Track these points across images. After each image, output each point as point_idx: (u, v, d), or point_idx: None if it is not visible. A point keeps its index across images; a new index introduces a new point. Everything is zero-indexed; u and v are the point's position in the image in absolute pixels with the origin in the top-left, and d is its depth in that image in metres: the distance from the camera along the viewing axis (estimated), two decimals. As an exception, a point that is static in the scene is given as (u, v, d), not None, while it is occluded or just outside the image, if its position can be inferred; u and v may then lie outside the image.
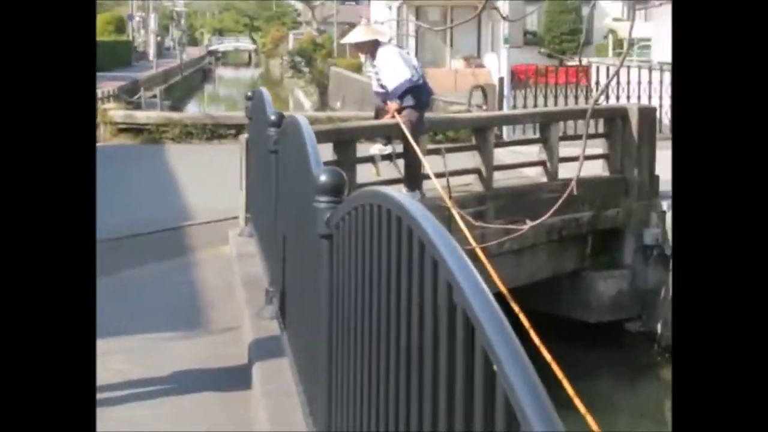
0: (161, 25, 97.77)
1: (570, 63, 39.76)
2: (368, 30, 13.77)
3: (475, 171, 13.67)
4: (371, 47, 12.87)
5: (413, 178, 12.62)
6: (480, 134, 13.78)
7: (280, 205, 7.47)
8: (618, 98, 24.69)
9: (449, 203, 10.56)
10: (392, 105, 12.31)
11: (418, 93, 12.58)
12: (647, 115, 15.46)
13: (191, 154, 21.03)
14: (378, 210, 3.54)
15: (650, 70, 25.78)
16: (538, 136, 15.30)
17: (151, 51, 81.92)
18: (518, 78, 25.73)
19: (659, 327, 15.01)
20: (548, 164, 14.52)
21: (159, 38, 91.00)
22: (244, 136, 11.66)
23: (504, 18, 28.57)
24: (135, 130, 23.20)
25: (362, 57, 15.08)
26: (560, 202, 8.45)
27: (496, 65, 42.97)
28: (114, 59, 63.65)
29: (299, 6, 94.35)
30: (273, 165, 7.67)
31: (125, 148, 22.33)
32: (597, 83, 26.19)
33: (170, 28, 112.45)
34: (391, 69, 12.50)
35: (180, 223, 13.19)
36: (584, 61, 40.41)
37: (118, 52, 70.15)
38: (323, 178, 4.73)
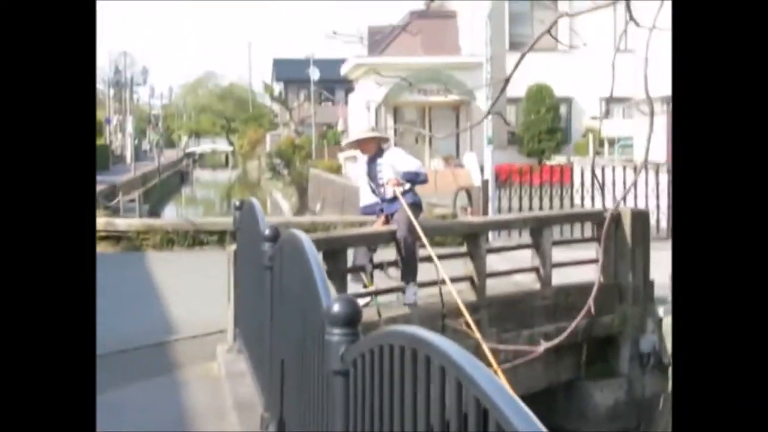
0: (138, 128, 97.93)
1: (549, 162, 39.72)
2: (371, 131, 14.29)
3: (468, 278, 13.28)
4: (375, 146, 12.96)
5: (410, 270, 12.41)
6: (472, 240, 13.40)
7: (276, 326, 7.03)
8: (603, 199, 24.53)
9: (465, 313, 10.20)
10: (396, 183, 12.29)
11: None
12: (640, 218, 15.11)
13: (173, 262, 20.65)
14: (412, 354, 3.19)
15: (635, 169, 25.42)
16: (529, 241, 14.93)
17: (129, 154, 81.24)
18: (501, 179, 25.39)
19: (660, 434, 14.41)
20: (541, 270, 14.10)
21: (136, 141, 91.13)
22: (231, 248, 11.13)
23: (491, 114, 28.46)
24: (115, 237, 22.90)
25: (356, 157, 15.08)
26: (580, 317, 7.95)
27: (476, 165, 42.76)
28: (98, 165, 63.53)
29: (276, 108, 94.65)
30: (268, 282, 7.23)
31: (105, 256, 21.65)
32: (582, 183, 25.82)
33: (147, 131, 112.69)
34: (408, 158, 12.90)
35: (165, 338, 12.62)
36: (564, 161, 40.43)
37: (96, 155, 69.91)
38: (337, 308, 4.25)
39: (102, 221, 23.79)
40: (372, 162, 12.86)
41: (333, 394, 4.44)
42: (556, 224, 14.91)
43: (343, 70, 55.15)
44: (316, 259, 5.54)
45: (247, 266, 9.41)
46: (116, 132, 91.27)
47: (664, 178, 23.37)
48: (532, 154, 44.68)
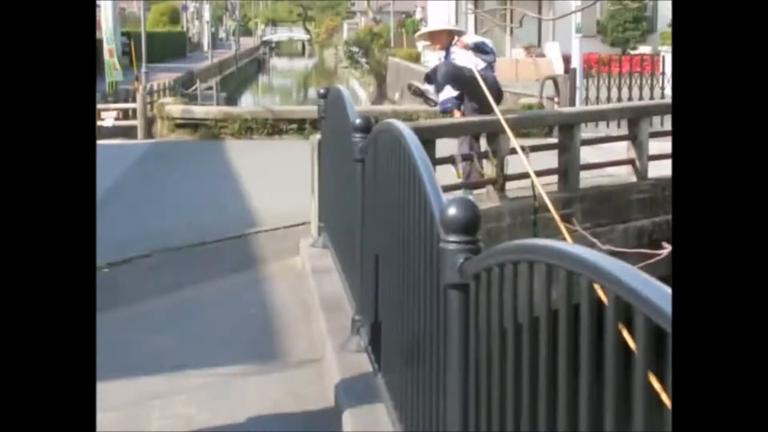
0: (215, 16, 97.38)
1: (633, 52, 38.62)
2: (445, 24, 14.35)
3: (560, 171, 12.65)
4: (448, 39, 12.61)
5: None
6: (566, 132, 12.73)
7: (368, 223, 6.44)
8: None
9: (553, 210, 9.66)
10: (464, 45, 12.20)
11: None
12: None
13: (252, 151, 20.02)
14: (548, 270, 2.89)
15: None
16: (624, 132, 14.19)
17: (205, 41, 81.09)
18: (590, 67, 24.48)
19: None
20: (637, 163, 13.41)
21: (213, 28, 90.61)
22: (315, 137, 10.44)
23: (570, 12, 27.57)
24: (193, 125, 22.36)
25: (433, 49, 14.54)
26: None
27: (558, 54, 42.01)
28: (168, 50, 63.66)
29: None
30: (359, 175, 6.60)
31: (183, 144, 21.46)
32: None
33: (224, 19, 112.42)
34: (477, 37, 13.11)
35: (245, 230, 12.00)
36: (649, 50, 39.27)
37: (173, 43, 69.97)
38: (453, 211, 3.62)
39: (179, 108, 23.39)
40: (447, 55, 12.53)
41: (448, 311, 3.86)
42: (655, 115, 14.01)
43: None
44: (422, 153, 4.80)
45: (334, 158, 8.78)
46: (193, 19, 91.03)
47: None
48: (617, 43, 43.48)
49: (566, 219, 11.15)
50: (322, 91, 10.29)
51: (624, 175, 13.70)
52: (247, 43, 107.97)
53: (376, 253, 6.03)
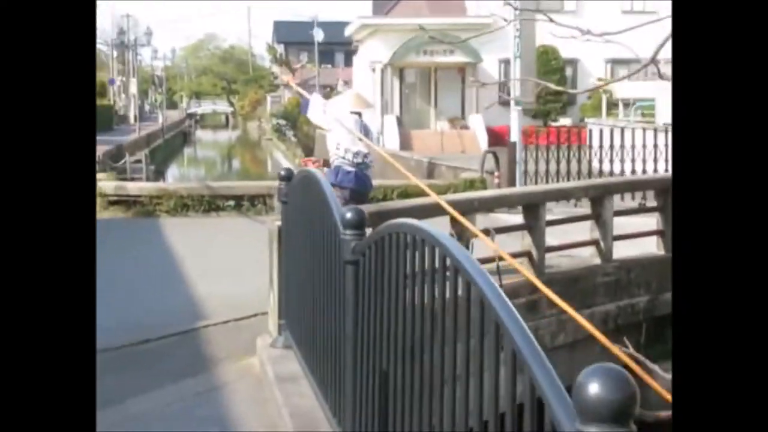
0: (141, 89, 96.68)
1: (554, 124, 38.27)
2: (359, 100, 13.99)
3: (526, 254, 11.51)
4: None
5: None
6: (531, 212, 11.58)
7: (369, 345, 5.15)
8: (622, 162, 23.12)
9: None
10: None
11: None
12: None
13: (190, 230, 18.61)
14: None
15: (655, 131, 23.86)
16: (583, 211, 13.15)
17: (132, 114, 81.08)
18: (527, 141, 23.58)
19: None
20: (602, 243, 12.30)
21: (140, 102, 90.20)
22: (275, 223, 8.96)
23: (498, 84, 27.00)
24: (126, 202, 20.97)
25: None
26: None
27: (482, 127, 41.62)
28: (102, 125, 62.85)
29: (276, 70, 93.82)
30: (350, 280, 5.34)
31: (117, 222, 19.84)
32: (600, 145, 24.10)
33: (150, 92, 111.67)
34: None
35: (191, 324, 10.40)
36: (569, 122, 38.86)
37: (100, 116, 69.04)
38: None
39: (112, 185, 22.09)
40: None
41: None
42: (621, 192, 12.93)
43: (348, 31, 53.94)
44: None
45: (307, 253, 7.16)
46: (120, 93, 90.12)
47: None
48: (538, 115, 42.91)
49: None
50: (283, 173, 8.86)
51: (587, 256, 12.55)
52: (173, 115, 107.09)
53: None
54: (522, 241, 11.56)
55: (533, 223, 11.52)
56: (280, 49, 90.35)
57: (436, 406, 3.98)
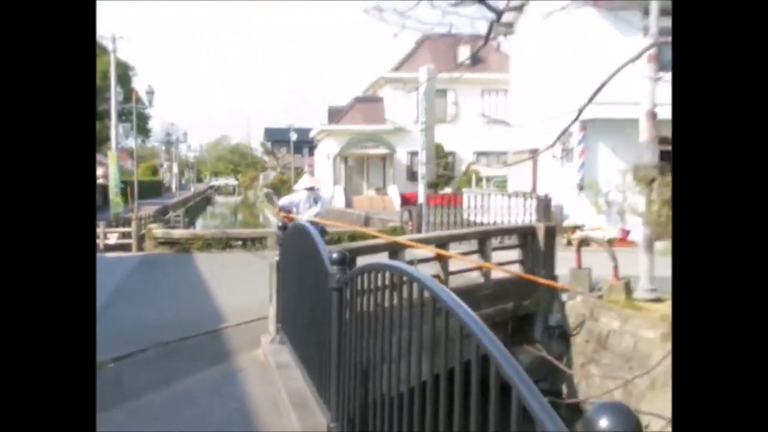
0: (180, 170, 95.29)
1: (441, 192, 38.01)
2: (311, 180, 14.78)
3: (437, 276, 10.87)
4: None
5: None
6: (441, 248, 10.96)
7: (349, 348, 4.46)
8: (485, 215, 22.81)
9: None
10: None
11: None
12: (549, 230, 12.84)
13: (212, 261, 17.67)
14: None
15: (509, 197, 23.59)
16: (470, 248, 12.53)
17: (174, 186, 79.85)
18: (414, 202, 23.28)
19: (563, 386, 12.17)
20: (484, 269, 11.75)
21: (179, 178, 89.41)
22: (274, 258, 8.25)
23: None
24: (171, 243, 20.09)
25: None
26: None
27: (396, 193, 41.26)
28: (151, 192, 62.79)
29: (266, 158, 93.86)
30: (334, 305, 4.65)
31: (164, 256, 19.02)
32: (470, 205, 23.76)
33: (185, 171, 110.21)
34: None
35: (216, 326, 9.67)
36: (450, 191, 38.56)
37: (153, 187, 68.70)
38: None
39: (161, 231, 21.20)
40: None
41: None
42: (495, 236, 12.31)
43: (312, 133, 53.12)
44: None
45: (300, 283, 6.48)
46: (166, 172, 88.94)
47: (533, 202, 21.91)
48: (431, 186, 42.44)
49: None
50: (280, 224, 8.19)
51: (475, 276, 11.88)
52: (200, 187, 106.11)
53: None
54: (434, 268, 10.94)
55: (442, 259, 10.90)
56: (268, 144, 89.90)
57: (395, 377, 3.60)
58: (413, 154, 40.44)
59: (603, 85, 8.30)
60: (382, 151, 43.85)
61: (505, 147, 31.41)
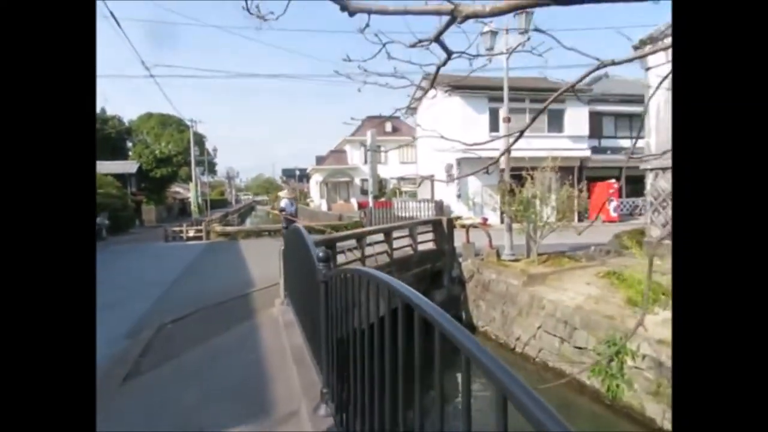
0: (236, 192, 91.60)
1: (380, 200, 36.45)
2: (288, 192, 13.25)
3: (385, 252, 9.27)
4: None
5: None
6: (388, 235, 9.37)
7: (330, 330, 2.85)
8: (405, 212, 21.27)
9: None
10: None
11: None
12: (449, 221, 11.33)
13: (251, 245, 15.51)
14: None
15: (419, 202, 22.11)
16: (406, 232, 10.97)
17: (233, 201, 76.53)
18: (369, 207, 21.43)
19: (462, 314, 10.62)
20: (413, 245, 10.14)
21: (236, 196, 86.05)
22: (281, 247, 6.59)
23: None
24: (227, 234, 17.74)
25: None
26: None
27: (355, 202, 39.32)
28: (220, 205, 59.97)
29: (283, 184, 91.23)
30: (322, 294, 3.03)
31: (222, 243, 16.72)
32: (399, 207, 22.11)
33: (239, 194, 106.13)
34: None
35: (245, 291, 7.83)
36: (384, 199, 37.00)
37: (221, 203, 65.34)
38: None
39: (219, 228, 18.79)
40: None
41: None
42: (419, 225, 10.72)
43: (307, 170, 50.81)
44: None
45: (297, 267, 4.93)
46: (229, 192, 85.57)
47: (433, 205, 20.48)
48: (375, 197, 40.75)
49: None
50: (285, 225, 6.49)
51: (408, 250, 10.30)
52: (247, 200, 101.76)
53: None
54: (383, 246, 9.36)
55: (388, 239, 9.32)
56: (284, 177, 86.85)
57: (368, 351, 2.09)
58: (363, 180, 39.16)
59: (539, 113, 6.85)
60: (346, 179, 41.89)
61: (412, 174, 30.22)
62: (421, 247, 10.50)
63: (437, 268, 10.99)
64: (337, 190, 45.18)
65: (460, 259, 11.09)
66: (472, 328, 10.31)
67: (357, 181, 42.23)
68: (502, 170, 11.20)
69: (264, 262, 10.94)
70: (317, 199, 40.25)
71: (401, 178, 42.22)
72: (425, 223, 11.11)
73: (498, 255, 10.63)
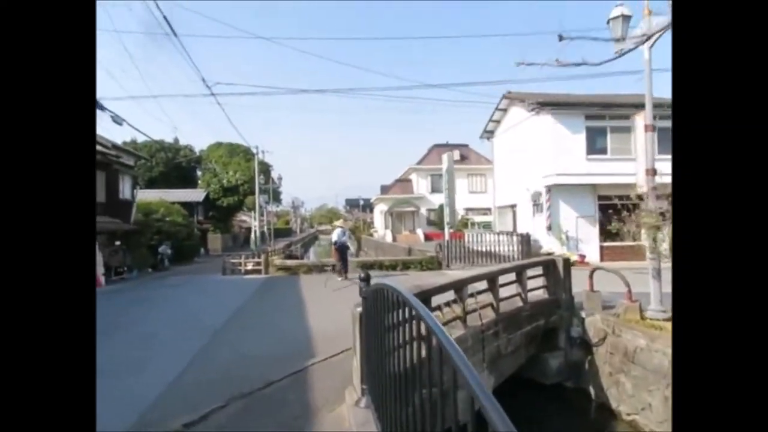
0: (300, 222, 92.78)
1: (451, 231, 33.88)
2: (341, 222, 12.90)
3: (490, 305, 6.79)
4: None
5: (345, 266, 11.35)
6: (492, 281, 6.90)
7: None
8: (480, 246, 18.51)
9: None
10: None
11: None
12: (565, 261, 8.64)
13: (312, 280, 13.53)
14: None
15: (497, 234, 19.37)
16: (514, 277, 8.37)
17: (298, 230, 77.53)
18: (450, 240, 18.88)
19: (590, 388, 8.00)
20: (522, 294, 7.58)
21: (301, 226, 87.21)
22: (358, 309, 4.34)
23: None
24: (287, 268, 16.01)
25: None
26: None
27: (422, 234, 37.21)
28: (285, 234, 60.54)
29: (347, 214, 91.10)
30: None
31: (282, 277, 14.91)
32: (473, 240, 19.39)
33: (305, 222, 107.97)
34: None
35: (305, 360, 5.43)
36: (453, 230, 34.42)
37: (286, 231, 65.95)
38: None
39: (279, 261, 17.14)
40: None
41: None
42: (528, 268, 8.09)
43: (371, 200, 49.64)
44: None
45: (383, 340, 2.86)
46: (294, 223, 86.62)
47: (517, 238, 17.73)
48: (442, 229, 38.31)
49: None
50: (364, 279, 4.15)
51: (516, 300, 7.74)
52: (311, 231, 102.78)
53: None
54: (487, 297, 6.87)
55: (493, 287, 6.84)
56: (347, 207, 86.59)
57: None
58: (430, 210, 37.00)
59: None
60: (412, 209, 39.66)
61: (482, 204, 27.57)
62: (530, 295, 7.90)
63: (551, 324, 8.28)
64: (402, 220, 43.14)
65: (583, 314, 8.31)
66: (607, 410, 7.42)
67: (423, 210, 40.07)
68: (601, 197, 8.47)
69: (326, 306, 8.78)
70: (381, 230, 38.42)
71: (469, 209, 39.64)
72: (535, 264, 8.48)
73: (640, 311, 7.74)
